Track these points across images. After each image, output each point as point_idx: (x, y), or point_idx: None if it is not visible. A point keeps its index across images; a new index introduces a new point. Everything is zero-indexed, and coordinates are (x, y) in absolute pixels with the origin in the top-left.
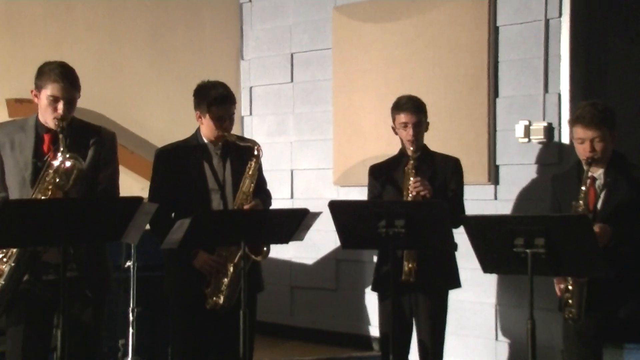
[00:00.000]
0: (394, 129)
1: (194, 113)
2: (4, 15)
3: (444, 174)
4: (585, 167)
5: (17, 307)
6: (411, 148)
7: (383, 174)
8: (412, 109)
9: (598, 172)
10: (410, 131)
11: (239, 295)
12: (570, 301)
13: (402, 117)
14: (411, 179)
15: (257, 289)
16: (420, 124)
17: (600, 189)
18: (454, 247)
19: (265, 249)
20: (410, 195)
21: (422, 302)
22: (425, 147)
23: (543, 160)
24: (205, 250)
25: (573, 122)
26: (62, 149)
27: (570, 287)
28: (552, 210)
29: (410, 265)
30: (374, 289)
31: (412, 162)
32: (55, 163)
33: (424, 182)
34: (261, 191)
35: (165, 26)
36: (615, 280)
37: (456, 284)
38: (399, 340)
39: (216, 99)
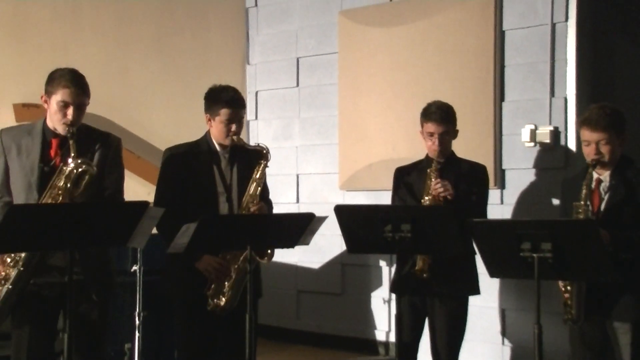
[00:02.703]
0: (421, 133)
1: (203, 116)
2: (11, 20)
3: (469, 180)
4: (589, 169)
5: (22, 309)
6: (436, 157)
7: (408, 178)
8: (439, 120)
9: (604, 175)
10: (436, 142)
11: (240, 298)
12: (569, 302)
13: (429, 127)
14: (432, 180)
15: (257, 294)
16: (447, 134)
17: (605, 191)
18: (466, 252)
19: (269, 251)
20: (430, 195)
21: (439, 307)
22: (452, 153)
23: (549, 164)
24: (209, 252)
25: (580, 124)
26: (72, 154)
27: (569, 287)
28: (563, 214)
29: (424, 259)
30: (391, 291)
31: (434, 164)
32: (67, 169)
33: (445, 184)
34: (264, 201)
35: (171, 31)
36: (616, 285)
37: (474, 290)
38: (407, 342)
39: (227, 103)
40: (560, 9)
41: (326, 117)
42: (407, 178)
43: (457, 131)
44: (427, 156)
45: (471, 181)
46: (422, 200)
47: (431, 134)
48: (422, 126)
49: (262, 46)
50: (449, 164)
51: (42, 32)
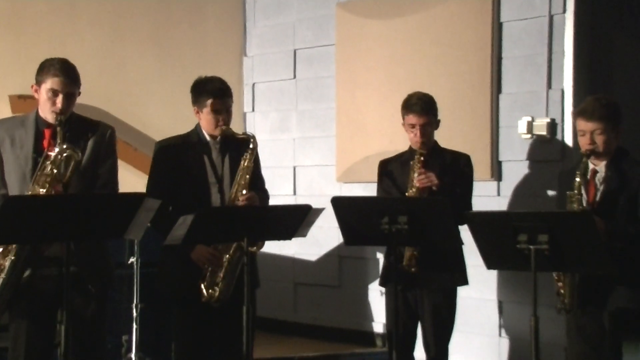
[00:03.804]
0: (404, 125)
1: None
2: (8, 12)
3: (453, 170)
4: (584, 159)
5: (20, 302)
6: (419, 148)
7: (393, 170)
8: (420, 111)
9: (600, 166)
10: (417, 132)
11: (235, 289)
12: (562, 291)
13: (411, 119)
14: (416, 172)
15: (253, 285)
16: (428, 125)
17: (600, 182)
18: (459, 243)
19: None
20: (414, 187)
21: (427, 298)
22: (435, 144)
23: (546, 156)
24: (203, 244)
25: (576, 114)
26: (59, 141)
27: (562, 276)
28: (560, 206)
29: (410, 253)
30: (381, 284)
31: (417, 156)
32: (52, 154)
33: (428, 175)
34: (259, 190)
35: (168, 23)
36: (611, 276)
37: (463, 281)
38: (403, 336)
39: (212, 93)
40: (558, 0)
41: (323, 109)
42: (390, 169)
43: (438, 121)
44: (410, 148)
45: (456, 172)
46: (407, 193)
47: (413, 126)
48: (404, 118)
49: (259, 38)
50: (433, 155)
51: (38, 24)
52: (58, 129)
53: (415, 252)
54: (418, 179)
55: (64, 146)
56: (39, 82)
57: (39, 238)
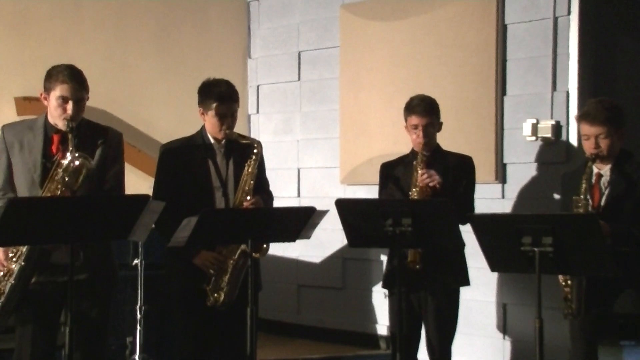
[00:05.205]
0: (406, 128)
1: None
2: (12, 15)
3: (456, 172)
4: (589, 163)
5: (26, 306)
6: (421, 150)
7: (394, 172)
8: (423, 112)
9: (604, 169)
10: (420, 134)
11: (239, 292)
12: (569, 296)
13: (413, 120)
14: (419, 171)
15: (255, 287)
16: (431, 126)
17: (605, 186)
18: (462, 245)
19: (264, 246)
20: (417, 187)
21: (430, 300)
22: (437, 146)
23: (551, 158)
24: (205, 247)
25: (579, 118)
26: (70, 148)
27: (569, 282)
28: (564, 208)
29: (414, 250)
30: (384, 286)
31: (419, 157)
32: (65, 162)
33: (431, 173)
34: (264, 192)
35: (172, 25)
36: (615, 279)
37: (465, 281)
38: (408, 338)
39: (218, 96)
40: (562, 2)
41: (327, 111)
42: (393, 172)
43: (441, 124)
44: (412, 150)
45: (458, 173)
46: (410, 193)
47: (415, 127)
48: (406, 120)
49: (264, 40)
50: (435, 157)
51: (42, 26)
52: (69, 136)
53: (419, 249)
54: (421, 178)
55: (76, 154)
56: (47, 90)
57: (43, 239)
